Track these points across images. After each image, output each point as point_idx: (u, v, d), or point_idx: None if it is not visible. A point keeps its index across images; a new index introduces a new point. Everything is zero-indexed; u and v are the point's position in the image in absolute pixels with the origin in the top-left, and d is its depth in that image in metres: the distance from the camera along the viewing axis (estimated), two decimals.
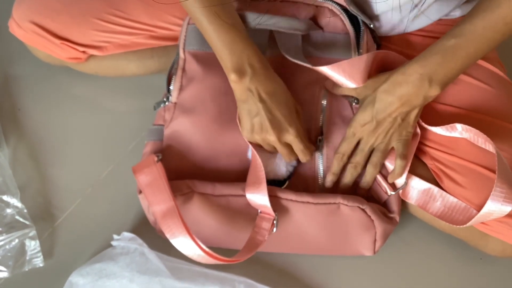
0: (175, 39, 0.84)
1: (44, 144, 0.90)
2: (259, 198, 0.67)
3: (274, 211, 0.68)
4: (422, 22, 0.78)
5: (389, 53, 0.71)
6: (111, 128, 0.92)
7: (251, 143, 0.69)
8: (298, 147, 0.68)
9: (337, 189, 0.73)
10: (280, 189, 0.70)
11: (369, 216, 0.70)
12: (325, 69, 0.67)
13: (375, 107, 0.67)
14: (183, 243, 0.65)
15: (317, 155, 0.72)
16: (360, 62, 0.67)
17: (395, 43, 0.80)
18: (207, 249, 0.65)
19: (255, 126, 0.67)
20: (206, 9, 0.64)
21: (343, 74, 0.67)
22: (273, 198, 0.68)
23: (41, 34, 0.81)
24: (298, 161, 0.73)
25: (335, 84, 0.72)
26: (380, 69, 0.73)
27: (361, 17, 0.74)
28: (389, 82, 0.67)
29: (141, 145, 0.88)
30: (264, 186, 0.66)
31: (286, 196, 0.69)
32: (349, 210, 0.70)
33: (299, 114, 0.70)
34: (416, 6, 0.75)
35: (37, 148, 0.89)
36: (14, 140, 0.90)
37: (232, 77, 0.66)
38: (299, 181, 0.73)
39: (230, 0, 0.69)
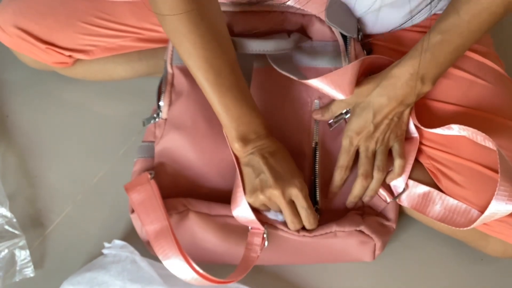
0: (163, 41, 0.82)
1: (34, 151, 0.89)
2: (243, 213, 0.66)
3: (263, 224, 0.67)
4: (415, 18, 0.76)
5: (374, 57, 0.71)
6: (101, 133, 0.91)
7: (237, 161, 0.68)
8: (301, 203, 0.66)
9: (332, 205, 0.72)
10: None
11: (367, 235, 0.69)
12: (313, 82, 0.67)
13: (372, 111, 0.67)
14: (176, 265, 0.64)
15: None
16: (347, 72, 0.66)
17: (387, 40, 0.79)
18: (201, 271, 0.63)
19: (259, 184, 0.65)
20: (211, 78, 0.63)
21: (332, 86, 0.67)
22: (263, 223, 0.67)
23: (26, 39, 0.80)
24: None
25: (324, 110, 0.72)
26: (367, 73, 0.72)
27: (341, 30, 0.74)
28: (381, 86, 0.67)
29: (132, 150, 0.87)
30: (243, 201, 0.65)
31: (281, 227, 0.68)
32: (346, 235, 0.69)
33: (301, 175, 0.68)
34: (409, 2, 0.73)
35: (26, 155, 0.88)
36: (2, 147, 0.89)
37: (236, 146, 0.66)
38: None
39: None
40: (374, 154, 0.70)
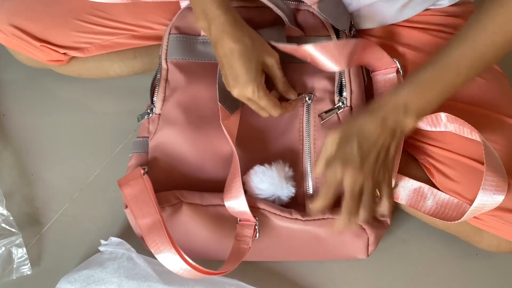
0: (158, 38, 0.82)
1: (30, 149, 0.89)
2: (237, 204, 0.66)
3: (254, 216, 0.66)
4: (409, 12, 0.77)
5: (372, 44, 0.70)
6: (97, 131, 0.91)
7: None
8: (262, 103, 0.67)
9: None
10: (265, 202, 0.68)
11: (361, 225, 0.69)
12: (311, 49, 0.66)
13: (356, 139, 0.62)
14: (169, 258, 0.64)
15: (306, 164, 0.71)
16: (346, 46, 0.66)
17: (380, 35, 0.79)
18: (193, 263, 0.64)
19: (225, 80, 0.68)
20: None
21: (328, 56, 0.66)
22: (255, 209, 0.67)
23: (21, 37, 0.80)
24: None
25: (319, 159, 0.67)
26: (362, 62, 0.72)
27: (332, 23, 0.74)
28: (367, 114, 0.63)
29: (128, 147, 0.87)
30: (241, 191, 0.65)
31: (273, 211, 0.67)
32: None
33: (270, 67, 0.69)
34: None
35: (22, 153, 0.88)
36: None
37: (200, 24, 0.68)
38: None
39: None
40: (360, 193, 0.62)
